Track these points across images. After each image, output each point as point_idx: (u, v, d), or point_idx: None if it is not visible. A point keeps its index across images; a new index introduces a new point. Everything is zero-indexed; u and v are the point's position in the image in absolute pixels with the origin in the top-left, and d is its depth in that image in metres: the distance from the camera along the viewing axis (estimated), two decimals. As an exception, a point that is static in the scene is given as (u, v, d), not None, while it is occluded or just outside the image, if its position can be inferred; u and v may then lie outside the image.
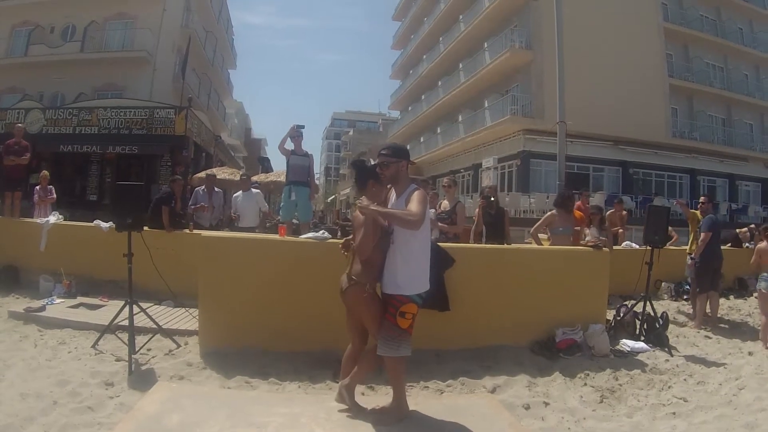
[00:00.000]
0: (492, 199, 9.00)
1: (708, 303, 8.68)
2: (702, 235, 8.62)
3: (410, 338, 4.14)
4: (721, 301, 9.61)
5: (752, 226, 15.59)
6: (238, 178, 12.69)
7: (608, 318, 7.27)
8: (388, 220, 4.12)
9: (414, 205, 3.95)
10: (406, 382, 4.34)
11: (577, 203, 9.15)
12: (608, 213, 11.20)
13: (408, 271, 4.11)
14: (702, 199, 9.36)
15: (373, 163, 4.48)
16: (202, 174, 14.42)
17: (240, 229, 9.82)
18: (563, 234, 7.74)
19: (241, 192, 10.49)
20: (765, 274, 7.58)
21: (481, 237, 9.19)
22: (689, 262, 8.87)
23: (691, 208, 10.22)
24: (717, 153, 29.87)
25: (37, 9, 25.67)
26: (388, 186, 4.34)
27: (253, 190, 10.76)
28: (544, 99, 23.88)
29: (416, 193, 4.07)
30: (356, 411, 4.29)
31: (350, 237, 4.56)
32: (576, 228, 8.01)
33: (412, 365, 4.07)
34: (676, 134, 28.97)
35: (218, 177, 13.09)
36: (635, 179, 28.23)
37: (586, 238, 7.95)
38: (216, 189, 10.67)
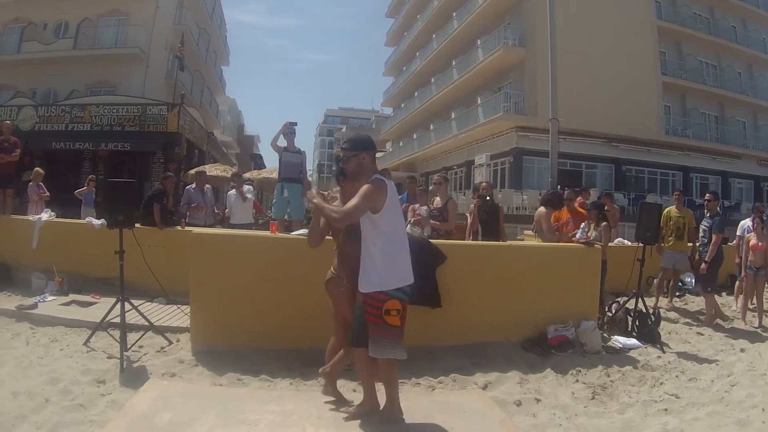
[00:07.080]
0: (488, 198, 8.99)
1: (706, 302, 8.75)
2: (714, 237, 8.48)
3: (402, 338, 3.97)
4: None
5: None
6: (229, 175, 12.60)
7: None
8: (321, 215, 4.09)
9: (352, 200, 3.83)
10: (398, 384, 4.20)
11: (578, 199, 9.09)
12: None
13: (379, 267, 3.89)
14: (707, 196, 9.06)
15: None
16: (193, 171, 14.34)
17: (233, 226, 9.72)
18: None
19: (234, 190, 10.42)
20: (750, 266, 8.73)
21: (477, 235, 9.18)
22: (703, 266, 8.57)
23: (685, 206, 10.18)
24: (710, 150, 29.99)
25: (29, 6, 25.59)
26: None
27: (245, 186, 10.70)
28: (537, 96, 23.95)
29: (363, 187, 3.88)
30: (340, 402, 4.35)
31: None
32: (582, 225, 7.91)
33: (404, 362, 4.02)
34: (669, 132, 29.05)
35: (209, 174, 12.97)
36: (628, 176, 28.35)
37: (578, 235, 7.87)
38: (206, 186, 10.56)
